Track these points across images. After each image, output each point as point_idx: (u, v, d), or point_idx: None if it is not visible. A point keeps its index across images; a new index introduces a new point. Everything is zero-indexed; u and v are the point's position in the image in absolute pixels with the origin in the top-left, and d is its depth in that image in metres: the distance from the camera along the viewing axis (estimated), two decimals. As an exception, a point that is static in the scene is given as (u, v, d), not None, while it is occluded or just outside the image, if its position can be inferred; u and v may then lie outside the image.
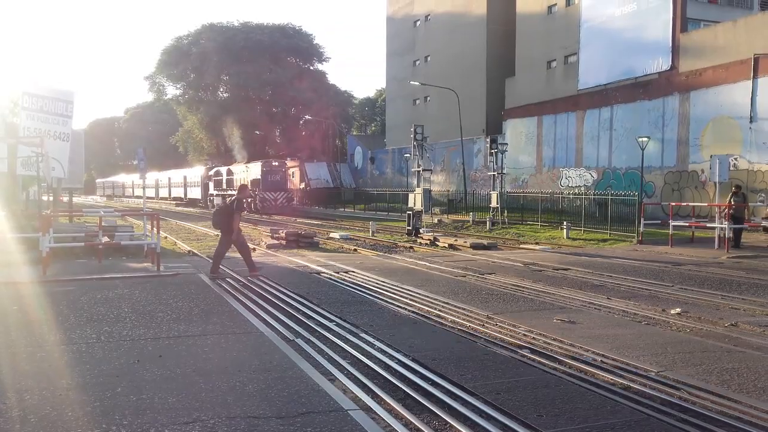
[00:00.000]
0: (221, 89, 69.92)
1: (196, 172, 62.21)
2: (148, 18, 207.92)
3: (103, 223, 15.74)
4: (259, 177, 45.71)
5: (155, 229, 14.10)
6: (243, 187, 14.60)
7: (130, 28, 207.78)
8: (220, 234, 13.25)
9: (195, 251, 18.44)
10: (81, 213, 21.39)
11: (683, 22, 30.18)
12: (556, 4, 38.75)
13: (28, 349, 6.87)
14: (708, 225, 19.22)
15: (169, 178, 71.27)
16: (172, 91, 72.83)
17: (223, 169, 53.99)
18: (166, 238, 21.79)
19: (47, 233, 12.77)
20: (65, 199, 26.84)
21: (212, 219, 13.72)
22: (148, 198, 71.00)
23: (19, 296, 10.08)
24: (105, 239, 15.40)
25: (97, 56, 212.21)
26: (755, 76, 25.85)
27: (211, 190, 55.95)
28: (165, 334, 7.58)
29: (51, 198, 21.45)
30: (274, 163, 48.49)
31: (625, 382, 5.80)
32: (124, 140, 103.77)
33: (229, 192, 51.41)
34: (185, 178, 65.15)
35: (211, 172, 56.47)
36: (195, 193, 61.43)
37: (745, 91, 26.29)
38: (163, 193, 73.51)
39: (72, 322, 8.18)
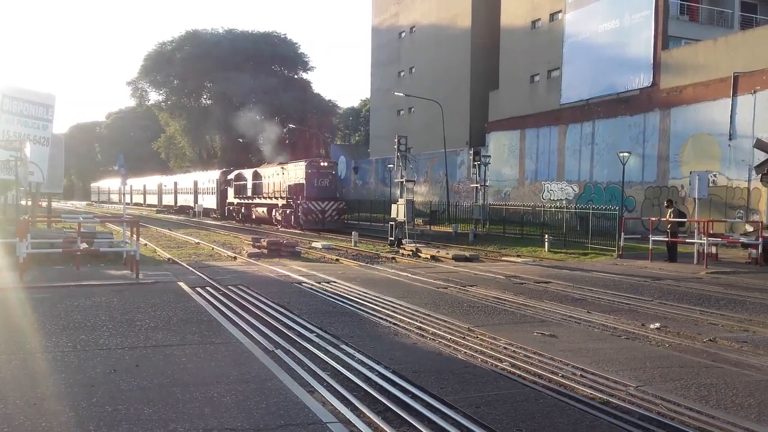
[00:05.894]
0: (204, 96, 69.69)
1: (209, 177, 51.60)
2: (131, 23, 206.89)
3: (81, 230, 15.56)
4: (304, 181, 34.94)
5: (135, 236, 13.97)
6: None
7: (113, 33, 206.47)
8: None
9: (175, 259, 18.27)
10: (59, 219, 21.11)
11: (665, 39, 30.61)
12: (540, 19, 39.14)
13: (2, 356, 6.75)
14: (687, 240, 19.42)
15: (176, 183, 60.14)
16: (154, 96, 72.52)
17: (248, 173, 43.95)
18: (146, 245, 21.56)
19: (25, 239, 12.59)
20: (44, 203, 26.49)
21: None
22: (149, 206, 68.75)
23: (-7, 302, 9.92)
24: (83, 246, 15.22)
25: (79, 60, 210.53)
26: (735, 94, 26.24)
27: (231, 198, 45.99)
28: (142, 343, 7.49)
29: (29, 203, 21.17)
30: (322, 164, 37.49)
31: (604, 397, 5.82)
32: (106, 145, 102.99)
33: (256, 200, 41.38)
34: (196, 183, 54.14)
35: (231, 176, 46.24)
36: (209, 201, 50.43)
37: (724, 109, 26.67)
38: (168, 200, 62.18)
39: (48, 329, 8.05)
